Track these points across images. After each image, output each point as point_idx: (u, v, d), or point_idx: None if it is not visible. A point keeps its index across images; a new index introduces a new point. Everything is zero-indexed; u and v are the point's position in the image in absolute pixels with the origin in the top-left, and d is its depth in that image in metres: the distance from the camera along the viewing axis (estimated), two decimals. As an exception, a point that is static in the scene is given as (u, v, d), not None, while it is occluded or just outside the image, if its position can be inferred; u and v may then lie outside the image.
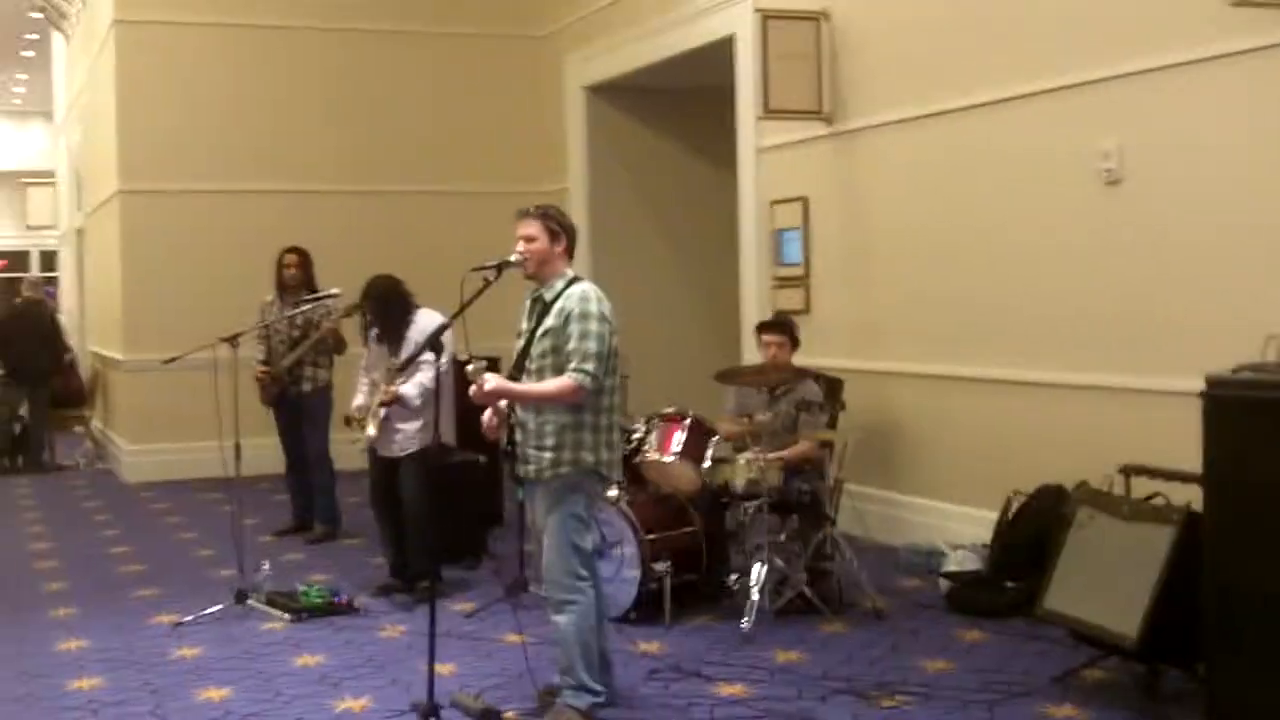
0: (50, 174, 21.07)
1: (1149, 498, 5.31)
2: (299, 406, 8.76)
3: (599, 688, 5.06)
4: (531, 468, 5.03)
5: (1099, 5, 6.86)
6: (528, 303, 5.17)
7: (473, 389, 4.96)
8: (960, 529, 7.57)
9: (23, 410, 13.51)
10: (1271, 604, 4.47)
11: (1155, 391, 6.41)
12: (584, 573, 5.04)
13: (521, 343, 5.13)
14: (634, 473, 6.87)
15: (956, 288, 7.84)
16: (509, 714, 5.12)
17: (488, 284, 5.08)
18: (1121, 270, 6.74)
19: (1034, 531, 6.53)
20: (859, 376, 8.25)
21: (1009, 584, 6.61)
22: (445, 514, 7.36)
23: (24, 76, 21.87)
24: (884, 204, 8.44)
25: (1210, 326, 6.14)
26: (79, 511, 10.53)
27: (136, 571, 8.02)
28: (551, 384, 4.93)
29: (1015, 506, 6.96)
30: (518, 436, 5.08)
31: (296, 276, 8.74)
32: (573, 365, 4.89)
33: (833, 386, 7.66)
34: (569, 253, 5.14)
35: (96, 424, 14.51)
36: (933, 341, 8.03)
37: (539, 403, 5.00)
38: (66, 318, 18.52)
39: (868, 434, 8.19)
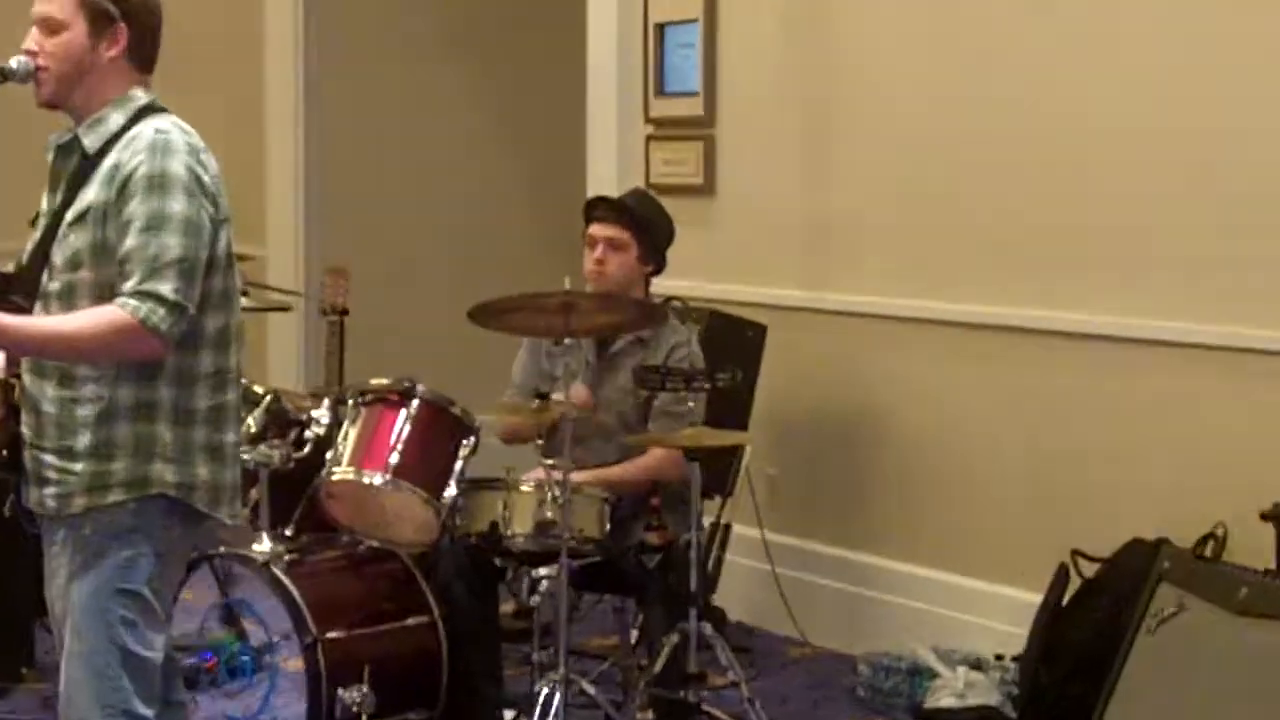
0: None
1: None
2: None
3: None
4: (51, 492, 2.88)
5: None
6: (49, 156, 3.01)
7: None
8: (976, 625, 4.65)
9: None
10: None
11: None
12: (142, 710, 2.93)
13: (38, 236, 2.99)
14: (309, 506, 4.17)
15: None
16: None
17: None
18: None
19: (1103, 625, 4.01)
20: (799, 315, 5.00)
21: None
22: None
23: None
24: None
25: None
26: None
27: None
28: (86, 319, 2.80)
29: (1077, 579, 4.26)
30: (25, 430, 2.94)
31: None
32: (131, 285, 2.78)
33: (727, 331, 4.59)
34: (139, 56, 2.95)
35: None
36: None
37: (62, 357, 2.86)
38: None
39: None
